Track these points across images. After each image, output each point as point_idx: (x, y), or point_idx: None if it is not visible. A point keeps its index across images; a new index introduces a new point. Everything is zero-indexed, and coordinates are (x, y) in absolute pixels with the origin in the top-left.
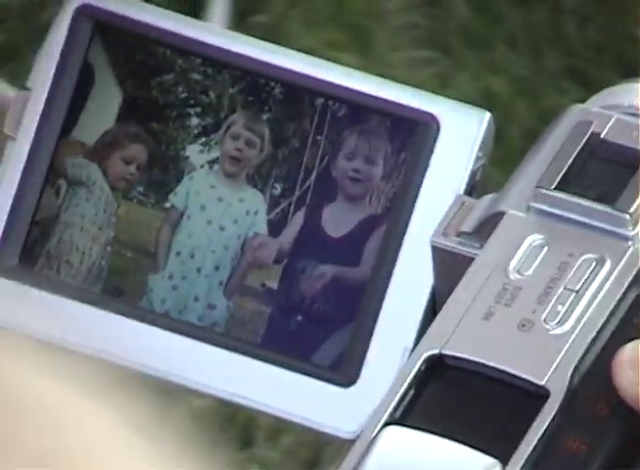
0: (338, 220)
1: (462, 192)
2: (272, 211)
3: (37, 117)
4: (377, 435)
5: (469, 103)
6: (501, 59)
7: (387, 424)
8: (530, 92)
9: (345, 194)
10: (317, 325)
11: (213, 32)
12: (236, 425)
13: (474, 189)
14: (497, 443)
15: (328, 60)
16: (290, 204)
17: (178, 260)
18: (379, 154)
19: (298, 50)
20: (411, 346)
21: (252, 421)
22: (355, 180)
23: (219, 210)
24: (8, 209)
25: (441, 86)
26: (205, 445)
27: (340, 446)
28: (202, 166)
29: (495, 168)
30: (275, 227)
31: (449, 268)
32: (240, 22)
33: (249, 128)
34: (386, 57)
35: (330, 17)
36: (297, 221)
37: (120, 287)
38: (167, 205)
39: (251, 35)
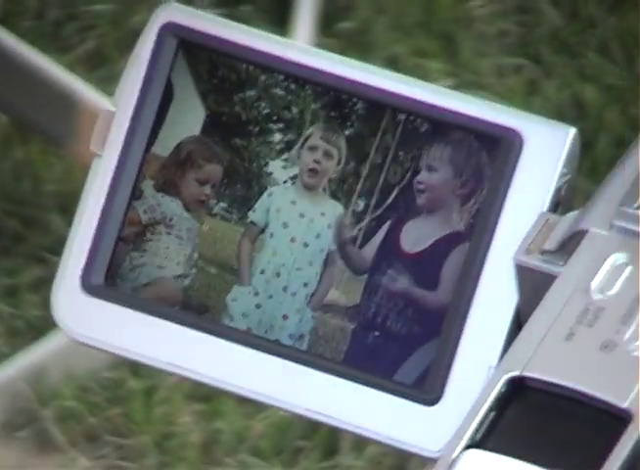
0: (417, 237)
1: (546, 209)
2: (354, 226)
3: (123, 135)
4: (456, 458)
5: (558, 111)
6: (592, 66)
7: (467, 447)
8: (622, 100)
9: (425, 209)
10: (399, 342)
11: (296, 49)
12: (320, 434)
13: (559, 205)
14: (579, 467)
15: (415, 67)
16: (371, 219)
17: (263, 279)
18: (461, 170)
19: (385, 57)
20: (495, 364)
21: (337, 430)
22: (435, 196)
23: (302, 226)
24: (94, 227)
25: (530, 94)
26: (290, 453)
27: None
28: (284, 182)
29: (585, 178)
30: (357, 241)
31: (533, 286)
32: (326, 28)
33: (325, 140)
34: (473, 64)
35: (417, 23)
36: (377, 237)
37: (204, 303)
38: (247, 220)
39: (338, 41)
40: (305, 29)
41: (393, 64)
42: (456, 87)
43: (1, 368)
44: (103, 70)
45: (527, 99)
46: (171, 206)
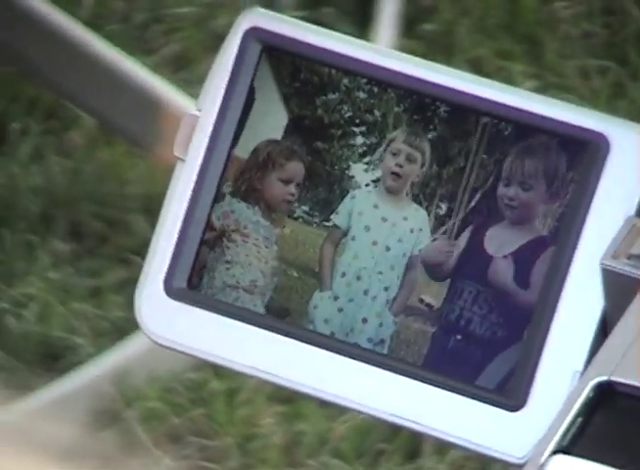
0: (502, 240)
1: (633, 213)
2: (437, 230)
3: (207, 139)
4: (544, 463)
5: None
6: None
7: (555, 452)
8: None
9: (509, 216)
10: (482, 346)
11: (379, 52)
12: (402, 437)
13: None
14: None
15: (498, 69)
16: (454, 223)
17: (344, 282)
18: (546, 175)
19: (468, 59)
20: (581, 369)
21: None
22: (526, 211)
23: (384, 230)
24: (177, 231)
25: (615, 96)
26: (371, 455)
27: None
28: (366, 185)
29: None
30: (439, 246)
31: (619, 291)
32: (409, 30)
33: (408, 144)
34: (558, 66)
35: (501, 25)
36: (460, 241)
37: (285, 307)
38: (330, 224)
39: (420, 44)
40: (387, 31)
41: (477, 66)
42: (540, 89)
43: (86, 368)
44: (187, 71)
45: (613, 101)
46: (246, 213)
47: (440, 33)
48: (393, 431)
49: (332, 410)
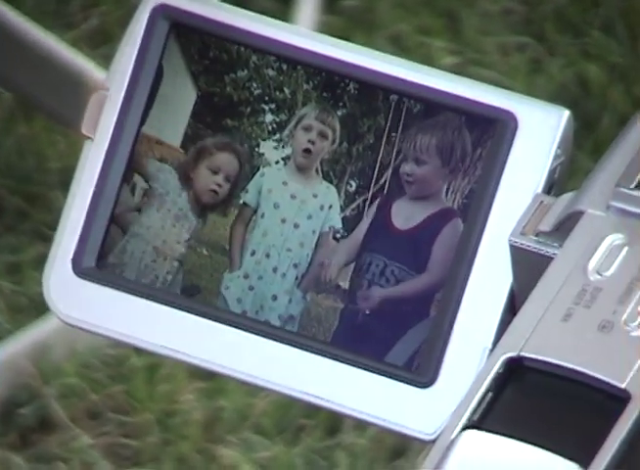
0: (408, 214)
1: (540, 190)
2: (346, 207)
3: (115, 117)
4: (455, 439)
5: (561, 90)
6: (596, 45)
7: (465, 428)
8: (626, 79)
9: (413, 196)
10: (391, 323)
11: (287, 31)
12: (323, 412)
13: (553, 187)
14: (577, 447)
15: (419, 45)
16: (364, 200)
17: (253, 260)
18: (453, 154)
19: (389, 35)
20: (490, 346)
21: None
22: (423, 186)
23: (293, 207)
24: (85, 210)
25: (534, 72)
26: (292, 431)
27: None
28: (276, 163)
29: (588, 157)
30: (349, 222)
31: (528, 268)
32: (330, 5)
33: (320, 120)
34: (477, 42)
35: (421, 1)
36: (368, 216)
37: (197, 285)
38: (240, 202)
39: (342, 19)
40: (309, 7)
41: (397, 42)
42: (459, 65)
43: (3, 345)
44: (106, 47)
45: (531, 77)
46: (173, 178)
47: (361, 9)
48: (314, 406)
49: (249, 387)
